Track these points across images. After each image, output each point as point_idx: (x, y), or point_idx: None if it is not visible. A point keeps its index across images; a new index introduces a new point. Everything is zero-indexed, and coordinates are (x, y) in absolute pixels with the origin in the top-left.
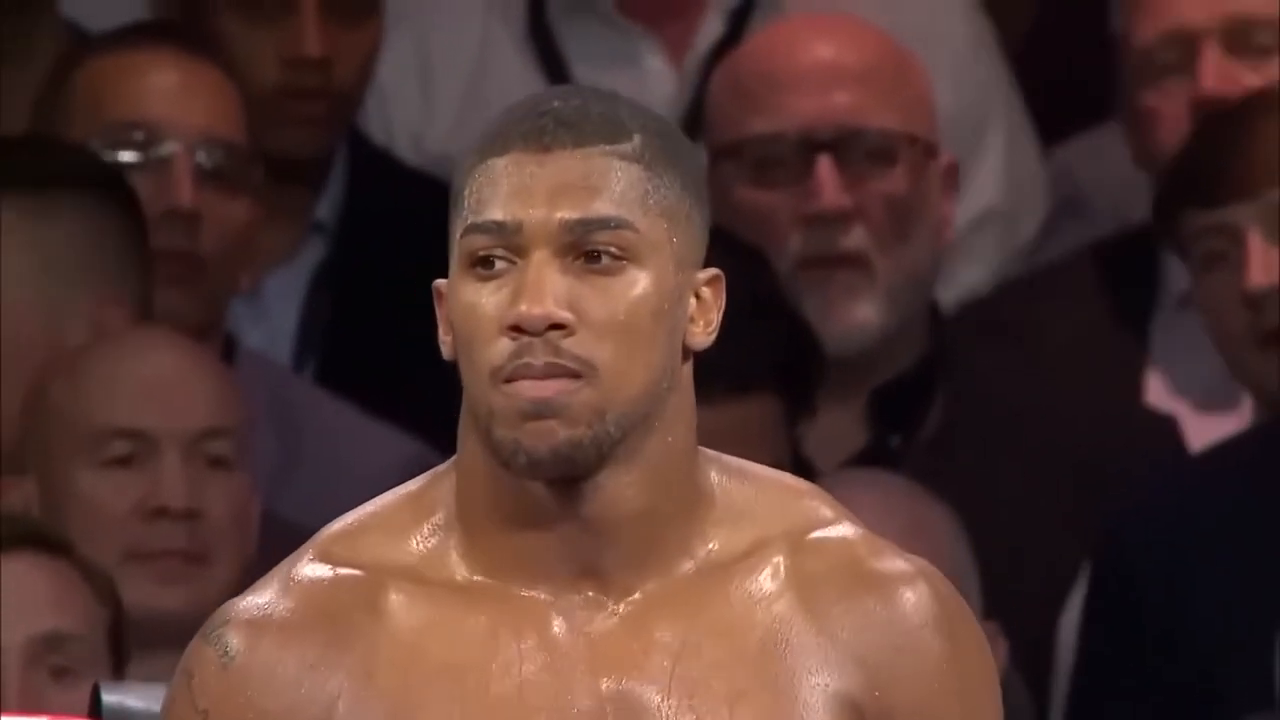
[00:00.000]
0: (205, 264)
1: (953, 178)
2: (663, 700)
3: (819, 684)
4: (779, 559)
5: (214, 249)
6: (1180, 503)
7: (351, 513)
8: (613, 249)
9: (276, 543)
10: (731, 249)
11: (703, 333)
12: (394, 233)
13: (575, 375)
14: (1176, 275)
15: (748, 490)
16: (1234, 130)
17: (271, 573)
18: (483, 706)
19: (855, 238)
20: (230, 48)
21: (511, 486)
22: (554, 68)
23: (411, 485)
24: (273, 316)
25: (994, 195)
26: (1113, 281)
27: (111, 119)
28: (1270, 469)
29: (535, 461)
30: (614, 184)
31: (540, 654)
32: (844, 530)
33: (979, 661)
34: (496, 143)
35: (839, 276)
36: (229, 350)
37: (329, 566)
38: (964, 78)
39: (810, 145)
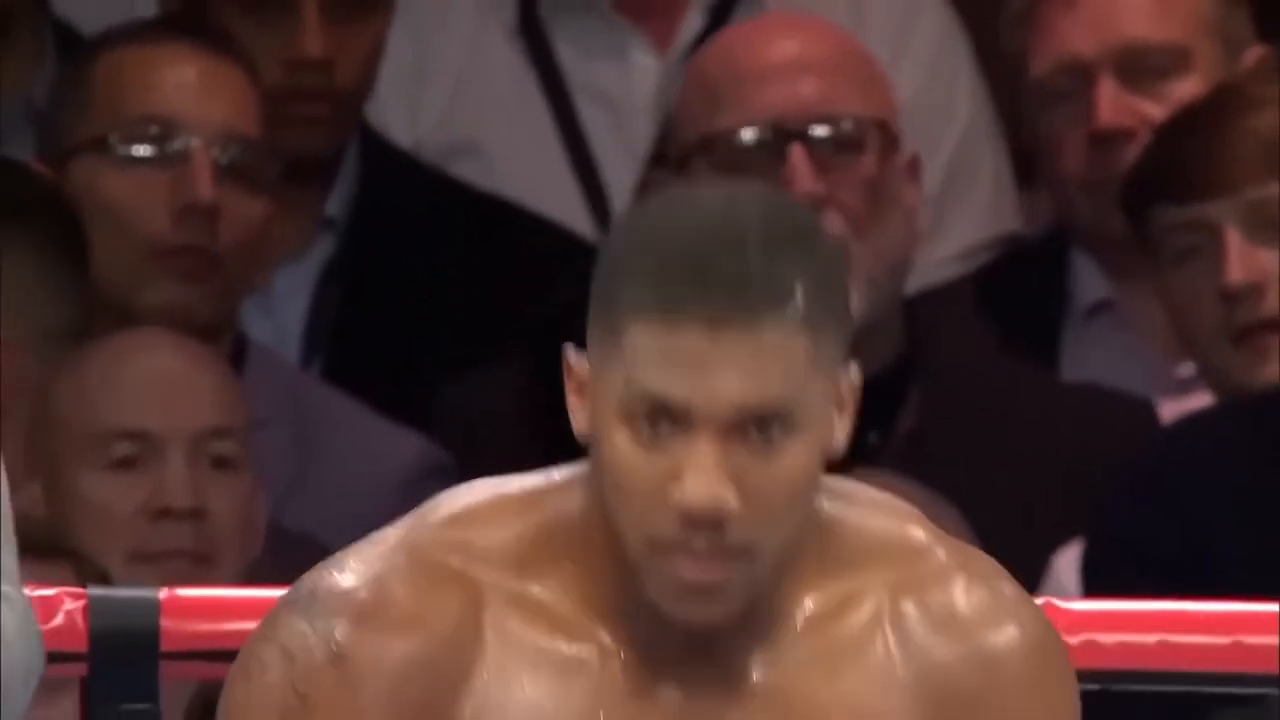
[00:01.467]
0: (222, 260)
1: (915, 171)
2: None
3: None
4: (877, 600)
5: (231, 245)
6: (1167, 473)
7: (458, 498)
8: (780, 427)
9: (285, 545)
10: None
11: (841, 435)
12: (405, 229)
13: (736, 558)
14: (1086, 286)
15: (849, 529)
16: (1206, 126)
17: (372, 550)
18: None
19: (830, 224)
20: None
21: (641, 613)
22: (544, 61)
23: (527, 485)
24: (280, 312)
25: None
26: (1023, 291)
27: (129, 113)
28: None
29: (688, 625)
30: (784, 360)
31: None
32: (941, 559)
33: (1065, 706)
34: (661, 301)
35: None
36: (241, 348)
37: (438, 563)
38: (929, 72)
39: (781, 135)
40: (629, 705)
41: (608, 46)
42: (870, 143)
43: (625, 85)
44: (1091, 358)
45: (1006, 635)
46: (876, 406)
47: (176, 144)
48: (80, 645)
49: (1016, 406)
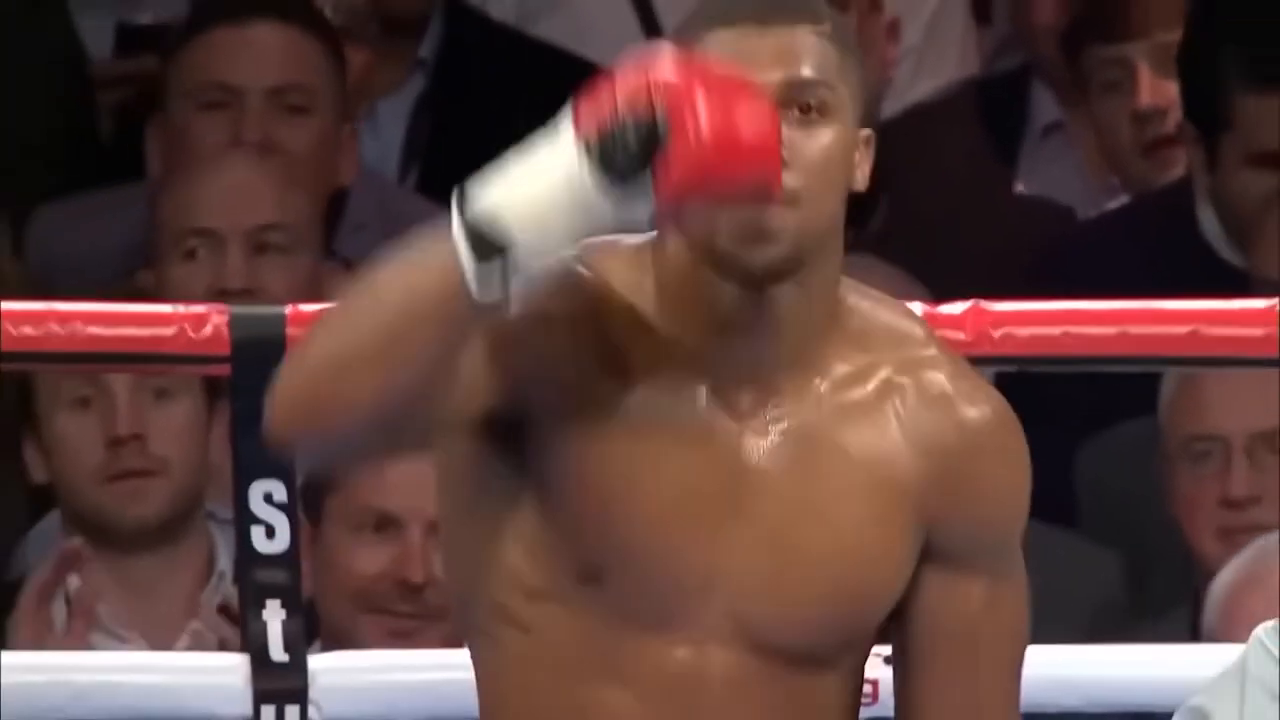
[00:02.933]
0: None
1: (895, 31)
2: (782, 477)
3: (872, 462)
4: (885, 374)
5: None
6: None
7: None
8: (817, 104)
9: None
10: None
11: (862, 179)
12: (482, 68)
13: (787, 203)
14: (1042, 110)
15: (868, 313)
16: None
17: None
18: (640, 437)
19: None
20: None
21: (706, 290)
22: None
23: (627, 242)
24: (383, 135)
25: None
26: (990, 114)
27: None
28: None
29: (751, 273)
30: (819, 55)
31: (687, 420)
32: (940, 357)
33: (1024, 486)
34: (720, 17)
35: None
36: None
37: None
38: None
39: None
40: (691, 417)
41: None
42: (853, 4)
43: None
44: (1043, 170)
45: (981, 410)
46: (851, 209)
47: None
48: (224, 350)
49: (969, 211)
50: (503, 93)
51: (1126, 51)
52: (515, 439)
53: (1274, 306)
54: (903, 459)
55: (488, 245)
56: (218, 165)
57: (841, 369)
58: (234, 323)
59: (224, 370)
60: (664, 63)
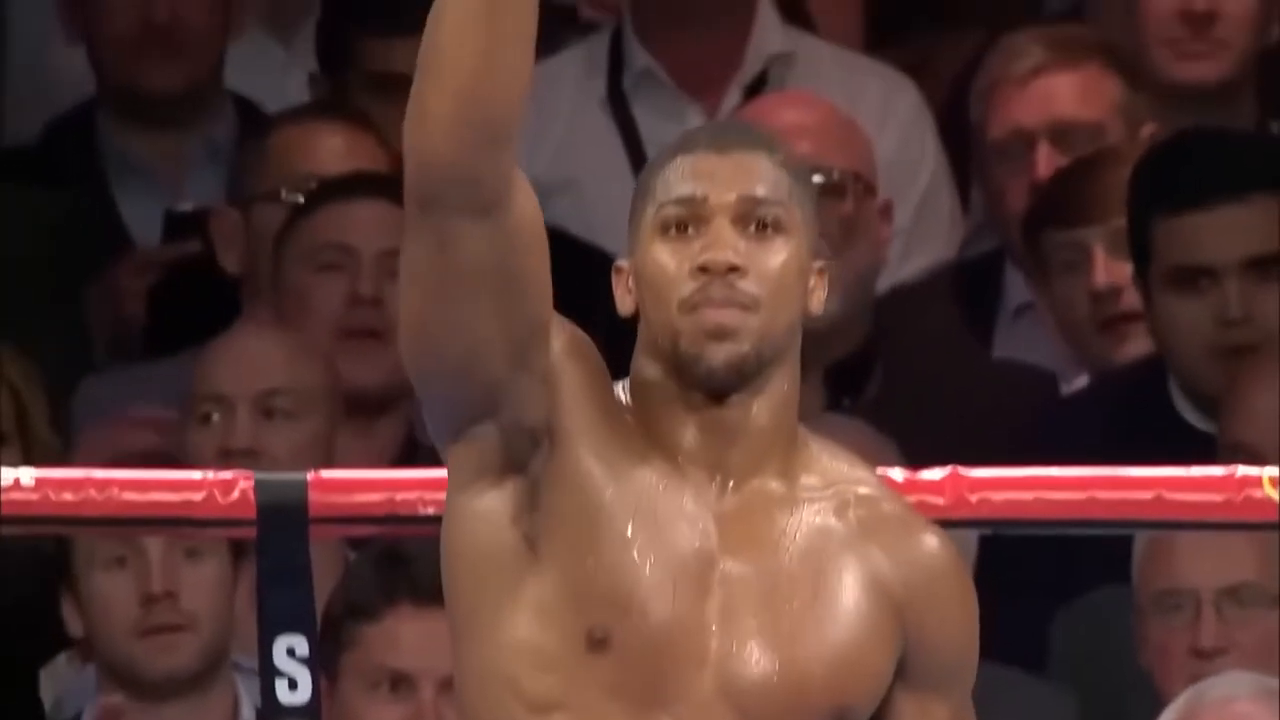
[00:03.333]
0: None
1: (888, 213)
2: (754, 561)
3: (864, 574)
4: (846, 498)
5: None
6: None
7: None
8: (771, 221)
9: None
10: None
11: (817, 304)
12: None
13: (745, 307)
14: (1014, 292)
15: (826, 453)
16: (1083, 175)
17: None
18: (622, 513)
19: None
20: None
21: (677, 397)
22: (625, 122)
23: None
24: None
25: (910, 221)
26: (966, 295)
27: (295, 171)
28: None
29: (711, 371)
30: (773, 177)
31: (672, 506)
32: (889, 495)
33: (976, 615)
34: (683, 148)
35: None
36: None
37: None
38: (904, 140)
39: None
40: (669, 503)
41: (672, 112)
42: (849, 189)
43: None
44: (1016, 347)
45: (939, 539)
46: (850, 378)
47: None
48: (250, 514)
49: (955, 376)
50: None
51: (1082, 235)
52: (531, 505)
53: (1233, 473)
54: (885, 569)
55: None
56: (231, 335)
57: (811, 481)
58: (259, 488)
59: (250, 533)
60: None
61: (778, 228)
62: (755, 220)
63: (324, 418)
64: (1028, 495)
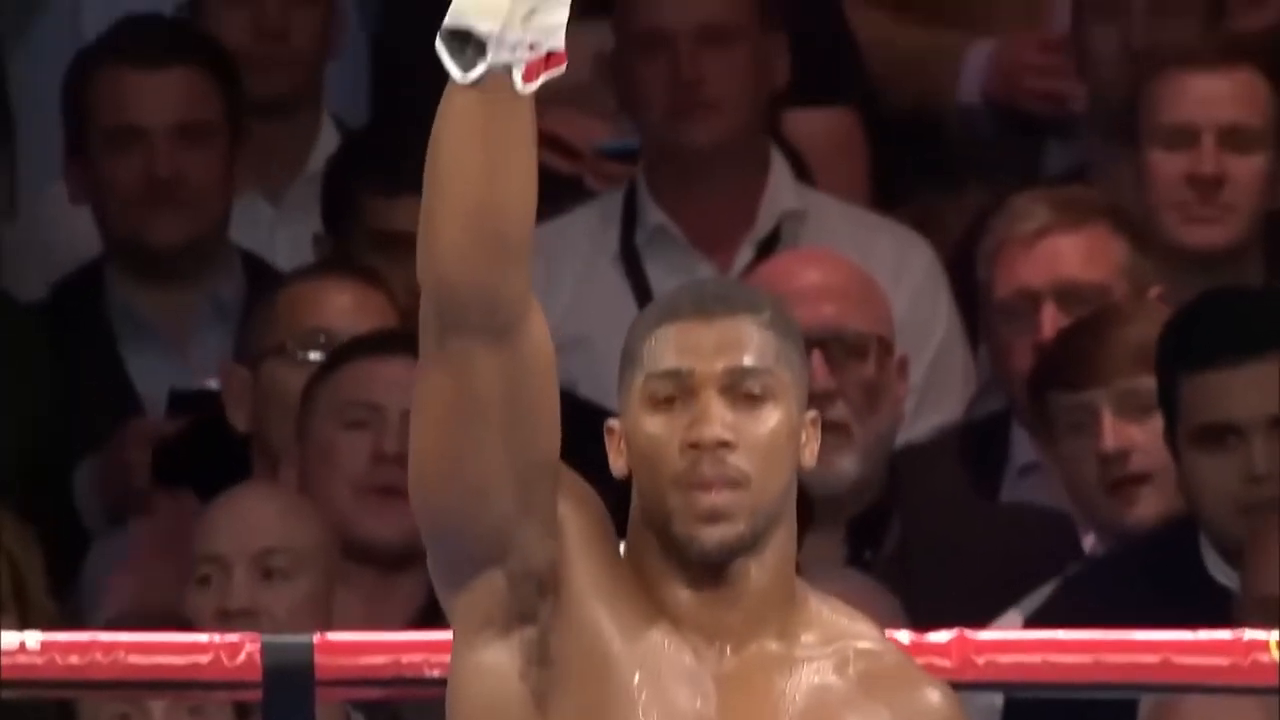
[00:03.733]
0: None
1: (904, 370)
2: None
3: None
4: (846, 654)
5: None
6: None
7: None
8: (759, 390)
9: None
10: None
11: (810, 457)
12: None
13: (737, 484)
14: (1021, 451)
15: (826, 607)
16: (1088, 336)
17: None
18: (623, 676)
19: (838, 411)
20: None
21: (673, 566)
22: (637, 279)
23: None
24: None
25: (924, 380)
26: (973, 454)
27: (302, 327)
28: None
29: (706, 552)
30: (759, 344)
31: (675, 667)
32: (890, 649)
33: None
34: (667, 314)
35: (827, 439)
36: None
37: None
38: (917, 297)
39: (806, 343)
40: (670, 663)
41: (684, 269)
42: (871, 351)
43: None
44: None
45: (943, 691)
46: (870, 531)
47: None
48: (256, 676)
49: (968, 530)
50: None
51: (1089, 398)
52: (539, 659)
53: (1240, 636)
54: (873, 712)
55: (459, 37)
56: (229, 495)
57: (811, 638)
58: (266, 650)
59: (256, 696)
60: None
61: (766, 395)
62: (743, 390)
63: (322, 575)
64: (1035, 658)
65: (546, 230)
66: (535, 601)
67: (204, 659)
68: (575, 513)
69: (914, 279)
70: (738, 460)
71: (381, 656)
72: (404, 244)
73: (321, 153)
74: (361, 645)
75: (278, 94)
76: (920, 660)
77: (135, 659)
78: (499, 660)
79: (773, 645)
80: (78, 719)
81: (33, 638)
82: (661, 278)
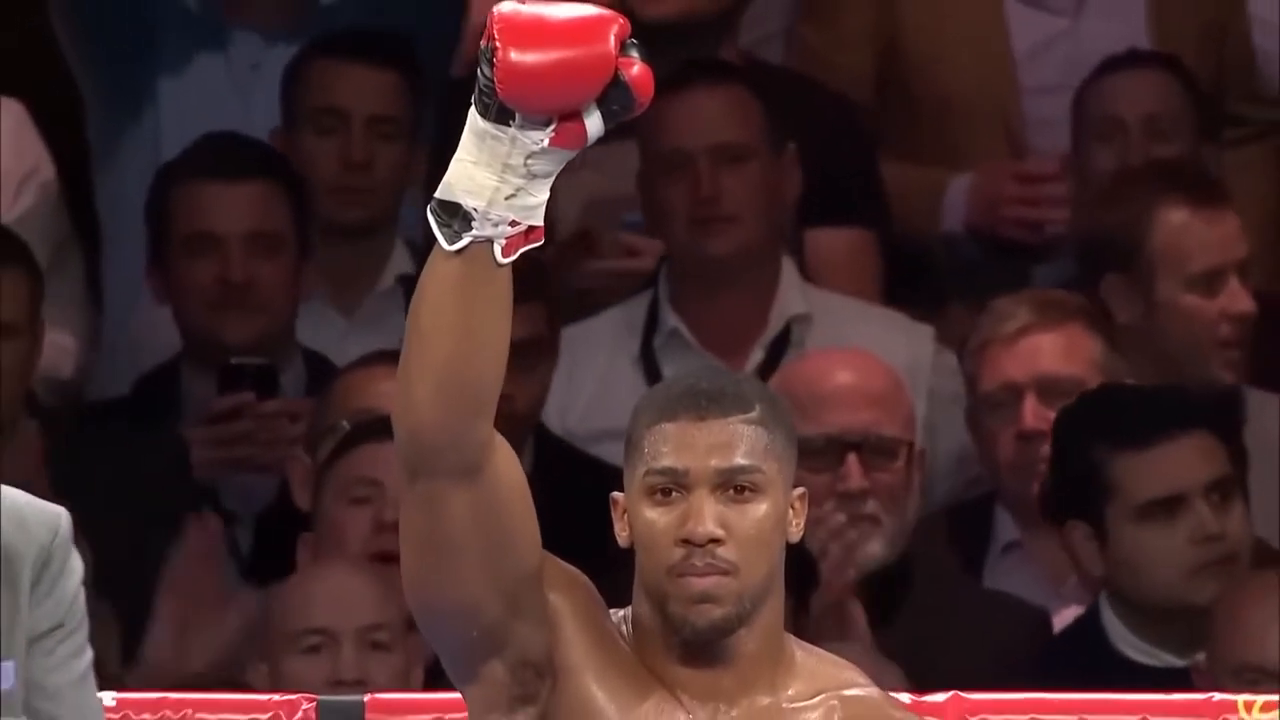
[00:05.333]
0: None
1: (922, 461)
2: None
3: None
4: (832, 702)
5: None
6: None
7: None
8: (749, 484)
9: None
10: None
11: (796, 531)
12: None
13: (725, 573)
14: (1003, 530)
15: (813, 659)
16: None
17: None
18: None
19: (870, 506)
20: None
21: (670, 638)
22: (654, 378)
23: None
24: None
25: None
26: (960, 532)
27: (352, 408)
28: None
29: (698, 631)
30: (750, 442)
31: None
32: (874, 692)
33: None
34: (666, 412)
35: (861, 529)
36: None
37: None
38: (928, 390)
39: (841, 446)
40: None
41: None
42: (900, 452)
43: None
44: (1004, 580)
45: None
46: (878, 609)
47: None
48: None
49: (957, 604)
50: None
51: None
52: None
53: (1210, 698)
54: None
55: (448, 208)
56: (323, 570)
57: (799, 689)
58: (321, 709)
59: None
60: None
61: (755, 488)
62: (733, 485)
63: (412, 645)
64: (1023, 718)
65: (575, 331)
66: (535, 685)
67: (264, 717)
68: (565, 599)
69: (922, 375)
70: (726, 552)
71: (427, 715)
72: None
73: (392, 271)
74: (410, 704)
75: (359, 220)
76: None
77: (202, 715)
78: None
79: (764, 700)
80: None
81: (108, 696)
82: None
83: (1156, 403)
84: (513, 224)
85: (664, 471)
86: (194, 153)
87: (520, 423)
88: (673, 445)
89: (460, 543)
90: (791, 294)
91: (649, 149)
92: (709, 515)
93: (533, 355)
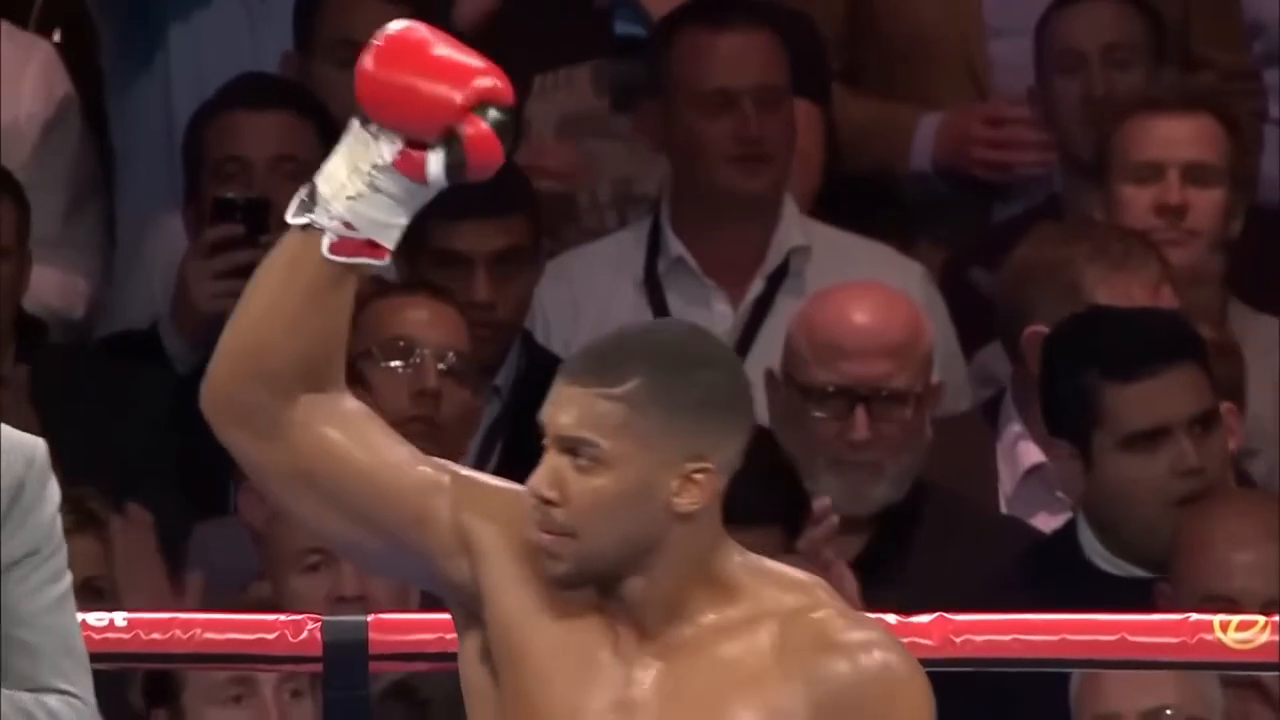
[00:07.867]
0: (443, 429)
1: (938, 396)
2: (660, 706)
3: (768, 707)
4: (771, 628)
5: (446, 417)
6: None
7: None
8: (588, 456)
9: None
10: (764, 444)
11: (688, 504)
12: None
13: (559, 533)
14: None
15: (758, 582)
16: None
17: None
18: (550, 648)
19: (871, 454)
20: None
21: None
22: (658, 304)
23: None
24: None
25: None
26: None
27: (386, 335)
28: None
29: (553, 581)
30: (598, 414)
31: (591, 655)
32: (830, 612)
33: (910, 715)
34: (563, 366)
35: (860, 475)
36: None
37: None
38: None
39: (851, 396)
40: (590, 651)
41: (700, 299)
42: (910, 400)
43: (709, 323)
44: (1024, 506)
45: (839, 663)
46: (896, 529)
47: (414, 356)
48: (317, 651)
49: (967, 529)
50: None
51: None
52: (488, 648)
53: (1187, 618)
54: (794, 696)
55: (309, 184)
56: None
57: (709, 619)
58: (325, 629)
59: (317, 668)
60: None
61: (597, 461)
62: (576, 454)
63: None
64: (1006, 637)
65: (577, 255)
66: (477, 602)
67: (270, 636)
68: (477, 521)
69: (916, 299)
70: (559, 515)
71: (429, 634)
72: (462, 263)
73: None
74: (411, 623)
75: None
76: (904, 640)
77: (210, 635)
78: (469, 648)
79: (687, 631)
80: (183, 694)
81: (120, 616)
82: (679, 306)
83: (1145, 329)
84: (348, 225)
85: (539, 423)
86: (227, 89)
87: (501, 330)
88: (549, 400)
89: (287, 487)
90: (792, 227)
91: (684, 88)
92: (544, 475)
93: (513, 264)
